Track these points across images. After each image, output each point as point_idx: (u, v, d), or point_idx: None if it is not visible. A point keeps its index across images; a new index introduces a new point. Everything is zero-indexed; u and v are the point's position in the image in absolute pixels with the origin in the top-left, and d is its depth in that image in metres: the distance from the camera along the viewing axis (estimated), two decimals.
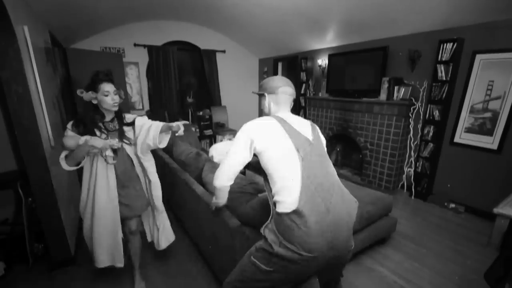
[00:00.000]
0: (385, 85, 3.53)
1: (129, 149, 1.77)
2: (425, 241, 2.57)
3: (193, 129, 5.11)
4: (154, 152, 3.25)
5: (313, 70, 4.99)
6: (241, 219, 1.67)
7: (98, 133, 1.63)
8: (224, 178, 1.29)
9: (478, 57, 2.84)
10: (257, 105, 6.89)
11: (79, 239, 2.56)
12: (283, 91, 1.34)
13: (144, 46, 4.99)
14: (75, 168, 1.64)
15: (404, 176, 3.70)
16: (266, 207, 1.58)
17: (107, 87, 1.59)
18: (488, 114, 2.85)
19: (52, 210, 2.06)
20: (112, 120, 1.71)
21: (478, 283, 2.02)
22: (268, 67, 6.23)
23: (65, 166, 1.61)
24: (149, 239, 2.14)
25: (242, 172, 3.19)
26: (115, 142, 1.62)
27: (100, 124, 1.66)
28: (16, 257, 2.22)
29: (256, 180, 2.63)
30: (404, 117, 3.41)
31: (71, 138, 1.53)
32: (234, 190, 1.82)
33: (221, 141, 4.88)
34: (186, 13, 4.79)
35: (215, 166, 2.20)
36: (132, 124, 1.78)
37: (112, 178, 1.69)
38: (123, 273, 2.14)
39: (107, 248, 1.76)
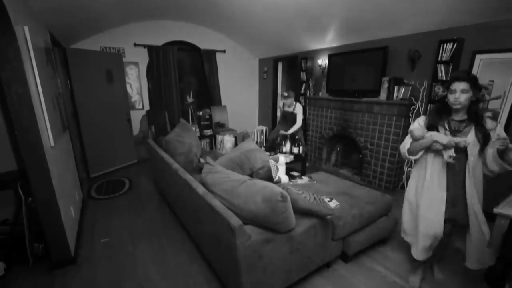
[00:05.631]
0: (385, 85, 3.53)
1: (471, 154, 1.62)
2: None
3: (194, 128, 5.12)
4: (156, 152, 3.25)
5: (313, 70, 4.98)
6: (242, 217, 1.67)
7: (441, 130, 1.70)
8: None
9: (478, 57, 2.84)
10: (257, 105, 6.90)
11: (79, 239, 2.57)
12: None
13: (144, 46, 4.99)
14: (414, 157, 1.77)
15: (404, 176, 3.70)
16: (268, 203, 1.58)
17: (456, 85, 1.61)
18: (488, 114, 2.84)
19: (52, 210, 2.06)
20: (462, 121, 1.68)
21: (478, 283, 2.02)
22: (268, 67, 6.23)
23: (405, 153, 1.79)
24: None
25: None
26: (462, 140, 1.57)
27: (446, 122, 1.71)
28: (16, 257, 2.22)
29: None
30: (404, 117, 3.41)
31: (418, 130, 1.71)
32: (234, 185, 1.82)
33: (221, 141, 4.87)
34: (186, 13, 4.79)
35: (212, 170, 2.20)
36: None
37: (443, 179, 1.71)
38: (122, 273, 2.15)
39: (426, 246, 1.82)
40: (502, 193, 2.69)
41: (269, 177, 2.73)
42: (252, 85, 6.65)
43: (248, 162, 2.69)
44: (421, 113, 3.39)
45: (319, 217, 1.93)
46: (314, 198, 2.08)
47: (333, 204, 2.24)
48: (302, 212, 1.88)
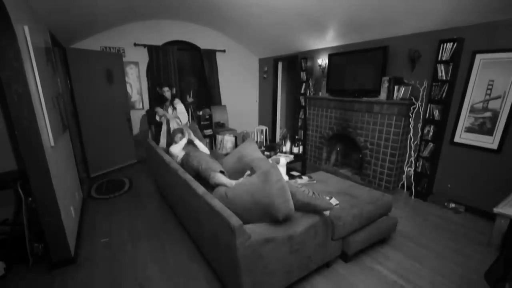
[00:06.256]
0: (385, 85, 3.53)
1: None
2: (425, 241, 2.57)
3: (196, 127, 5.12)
4: (156, 153, 3.26)
5: (313, 70, 4.98)
6: (242, 208, 1.69)
7: None
8: None
9: (478, 57, 2.84)
10: (257, 104, 6.90)
11: (79, 239, 2.57)
12: None
13: (144, 45, 4.99)
14: None
15: (404, 176, 3.70)
16: (262, 176, 1.61)
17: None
18: (488, 114, 2.85)
19: (52, 210, 2.06)
20: None
21: (478, 283, 2.02)
22: (268, 67, 6.23)
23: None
24: None
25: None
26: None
27: None
28: (16, 257, 2.22)
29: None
30: (404, 117, 3.41)
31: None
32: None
33: (221, 141, 4.87)
34: (186, 13, 4.79)
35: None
36: None
37: None
38: (122, 273, 2.15)
39: None
40: (502, 193, 2.71)
41: None
42: (252, 85, 6.65)
43: (253, 172, 2.69)
44: (421, 113, 3.39)
45: (318, 212, 1.93)
46: (313, 193, 2.08)
47: (333, 202, 2.25)
48: (301, 208, 1.88)
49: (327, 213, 1.98)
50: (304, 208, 1.89)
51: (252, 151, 2.85)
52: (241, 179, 2.15)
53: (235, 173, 2.63)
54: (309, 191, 2.07)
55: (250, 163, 2.69)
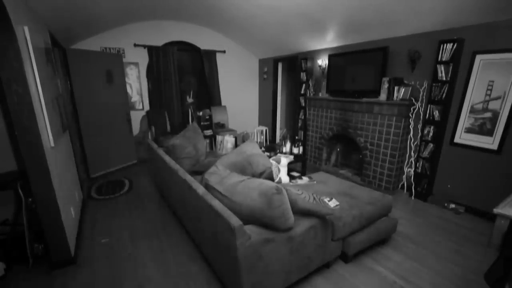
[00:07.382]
0: (385, 85, 3.53)
1: None
2: (425, 241, 2.57)
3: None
4: (156, 153, 3.26)
5: (313, 70, 4.99)
6: (241, 215, 1.68)
7: None
8: None
9: (478, 57, 2.84)
10: (257, 105, 6.90)
11: (79, 239, 2.57)
12: None
13: (144, 46, 4.99)
14: None
15: (404, 176, 3.70)
16: (264, 198, 1.59)
17: None
18: (488, 114, 2.85)
19: (52, 211, 2.06)
20: None
21: (478, 283, 2.02)
22: (268, 67, 6.23)
23: None
24: None
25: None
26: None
27: None
28: (16, 257, 2.22)
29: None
30: (404, 117, 3.41)
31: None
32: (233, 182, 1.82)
33: (221, 142, 4.88)
34: (186, 13, 4.80)
35: (216, 172, 2.20)
36: None
37: None
38: (122, 273, 2.15)
39: None
40: (502, 193, 2.71)
41: (270, 179, 2.72)
42: (252, 85, 6.65)
43: (250, 168, 2.68)
44: (421, 113, 3.39)
45: (319, 217, 1.93)
46: (314, 199, 2.08)
47: (333, 203, 2.24)
48: (302, 213, 1.88)
49: (327, 217, 1.98)
50: (305, 213, 1.90)
51: (252, 148, 2.87)
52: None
53: (234, 169, 2.63)
54: (310, 197, 2.07)
55: (248, 158, 2.69)
